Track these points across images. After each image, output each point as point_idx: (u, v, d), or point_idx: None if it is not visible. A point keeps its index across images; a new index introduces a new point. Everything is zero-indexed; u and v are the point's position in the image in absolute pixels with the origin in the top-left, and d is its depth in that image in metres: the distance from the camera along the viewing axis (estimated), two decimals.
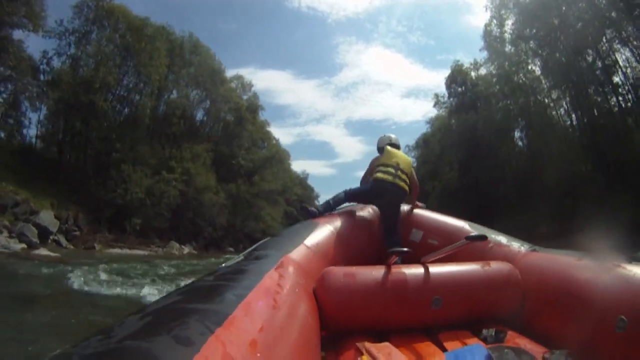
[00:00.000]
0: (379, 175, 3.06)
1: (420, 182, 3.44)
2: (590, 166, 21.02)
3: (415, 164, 44.12)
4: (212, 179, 33.65)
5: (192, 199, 30.99)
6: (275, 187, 42.03)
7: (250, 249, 2.08)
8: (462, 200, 27.33)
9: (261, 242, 2.28)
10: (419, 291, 1.99)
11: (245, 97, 42.74)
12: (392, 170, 3.06)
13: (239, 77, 42.41)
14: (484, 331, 1.97)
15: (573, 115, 23.48)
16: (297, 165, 63.88)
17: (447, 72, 31.56)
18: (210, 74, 34.49)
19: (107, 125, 27.01)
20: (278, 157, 45.86)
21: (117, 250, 21.36)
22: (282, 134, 66.10)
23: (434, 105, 33.15)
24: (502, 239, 2.64)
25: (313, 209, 3.06)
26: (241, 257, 1.88)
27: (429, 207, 3.35)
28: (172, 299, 1.11)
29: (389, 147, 3.27)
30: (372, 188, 3.07)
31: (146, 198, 26.40)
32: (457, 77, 30.75)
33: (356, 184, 3.38)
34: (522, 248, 2.51)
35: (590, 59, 21.40)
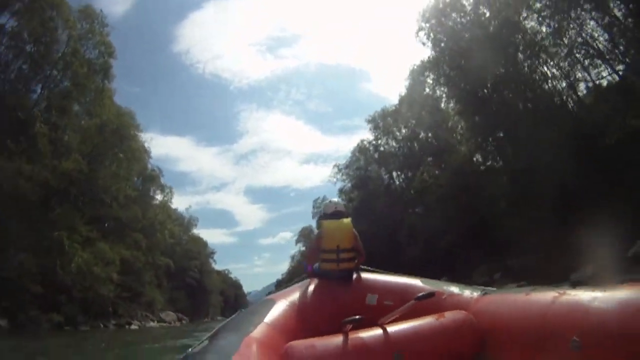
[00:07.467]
0: (324, 266, 3.18)
1: None
2: None
3: None
4: None
5: None
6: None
7: (213, 332, 2.29)
8: None
9: (222, 323, 2.48)
10: (379, 352, 2.09)
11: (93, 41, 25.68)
12: (334, 256, 3.12)
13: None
14: None
15: None
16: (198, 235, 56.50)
17: (345, 138, 27.64)
18: None
19: None
20: (120, 135, 26.52)
21: None
22: (182, 203, 64.87)
23: None
24: (454, 288, 2.82)
25: None
26: (206, 341, 2.07)
27: None
28: None
29: (326, 224, 3.25)
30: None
31: None
32: None
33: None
34: (474, 294, 2.66)
35: None
